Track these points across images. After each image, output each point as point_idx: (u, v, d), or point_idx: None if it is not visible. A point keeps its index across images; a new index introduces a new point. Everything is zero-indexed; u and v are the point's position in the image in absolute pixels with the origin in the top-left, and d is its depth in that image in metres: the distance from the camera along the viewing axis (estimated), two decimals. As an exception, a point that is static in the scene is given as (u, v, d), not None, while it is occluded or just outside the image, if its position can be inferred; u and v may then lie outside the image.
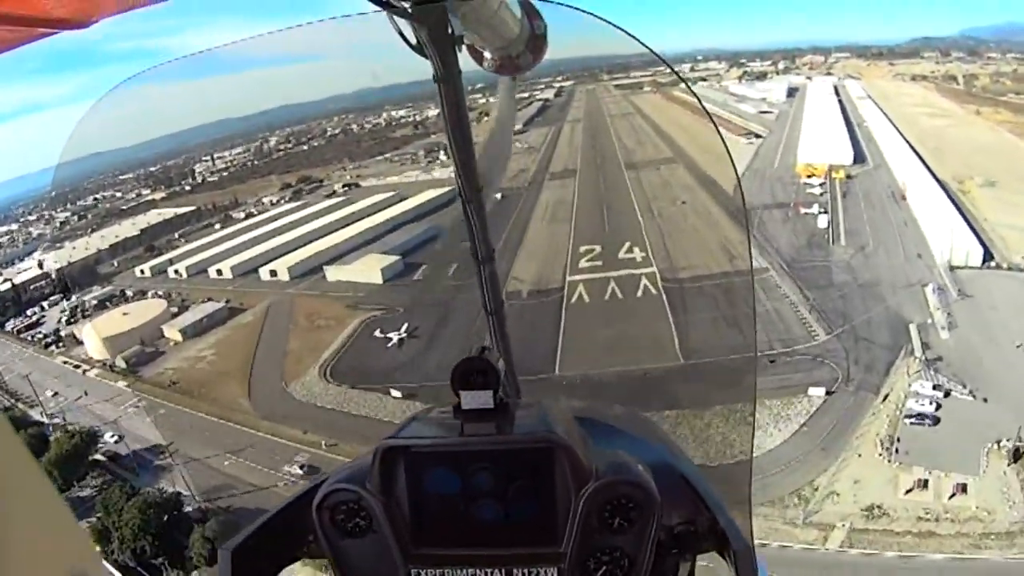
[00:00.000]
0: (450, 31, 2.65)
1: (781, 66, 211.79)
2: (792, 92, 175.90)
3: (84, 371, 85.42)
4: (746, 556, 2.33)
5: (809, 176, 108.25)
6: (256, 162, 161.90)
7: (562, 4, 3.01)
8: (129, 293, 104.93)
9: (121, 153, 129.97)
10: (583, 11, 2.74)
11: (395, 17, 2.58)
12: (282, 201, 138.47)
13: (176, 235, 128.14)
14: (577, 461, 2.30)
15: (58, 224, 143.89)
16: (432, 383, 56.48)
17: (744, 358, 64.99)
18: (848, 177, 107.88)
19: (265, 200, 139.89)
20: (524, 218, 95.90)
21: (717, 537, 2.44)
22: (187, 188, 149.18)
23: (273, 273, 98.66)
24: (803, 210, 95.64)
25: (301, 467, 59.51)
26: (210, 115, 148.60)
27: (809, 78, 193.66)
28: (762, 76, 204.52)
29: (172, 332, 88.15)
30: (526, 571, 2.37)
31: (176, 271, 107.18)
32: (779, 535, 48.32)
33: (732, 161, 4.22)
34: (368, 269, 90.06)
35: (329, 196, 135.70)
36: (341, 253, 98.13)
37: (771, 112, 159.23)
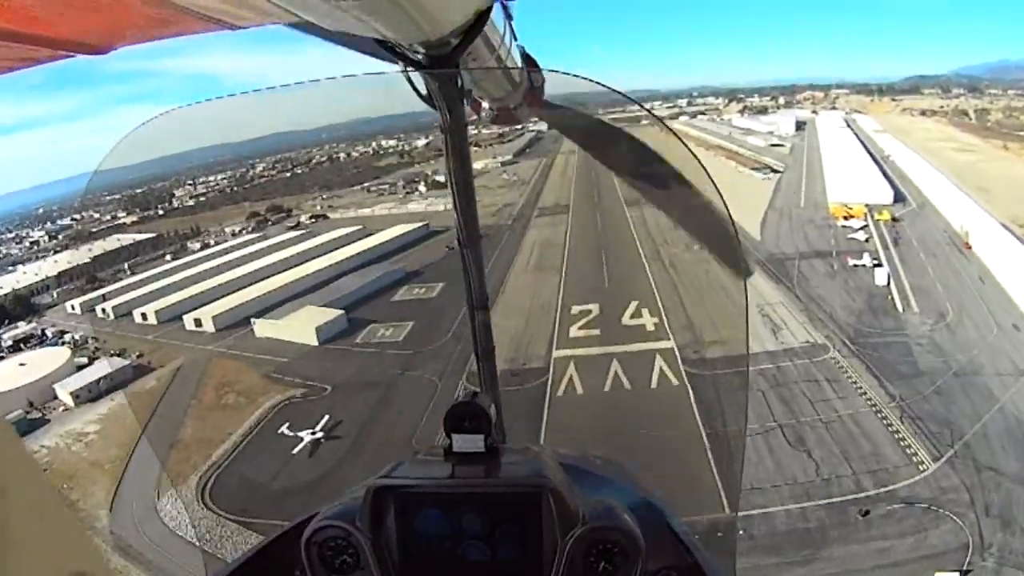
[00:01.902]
0: (460, 85, 2.61)
1: (781, 101, 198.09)
2: (800, 125, 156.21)
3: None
4: None
5: (846, 218, 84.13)
6: (235, 188, 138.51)
7: (558, 72, 3.07)
8: (49, 333, 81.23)
9: (125, 172, 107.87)
10: (580, 76, 2.74)
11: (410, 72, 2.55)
12: (243, 232, 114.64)
13: (126, 265, 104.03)
14: (565, 506, 2.24)
15: (27, 245, 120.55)
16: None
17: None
18: (894, 220, 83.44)
19: (227, 230, 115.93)
20: (502, 264, 71.90)
21: None
22: (159, 212, 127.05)
23: (198, 323, 74.37)
24: (851, 261, 70.82)
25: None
26: (220, 153, 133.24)
27: (815, 112, 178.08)
28: (763, 111, 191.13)
29: (64, 394, 64.14)
30: None
31: (103, 310, 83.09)
32: None
33: (725, 206, 3.29)
34: (303, 325, 66.09)
35: (293, 228, 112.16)
36: (277, 302, 73.71)
37: (782, 145, 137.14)
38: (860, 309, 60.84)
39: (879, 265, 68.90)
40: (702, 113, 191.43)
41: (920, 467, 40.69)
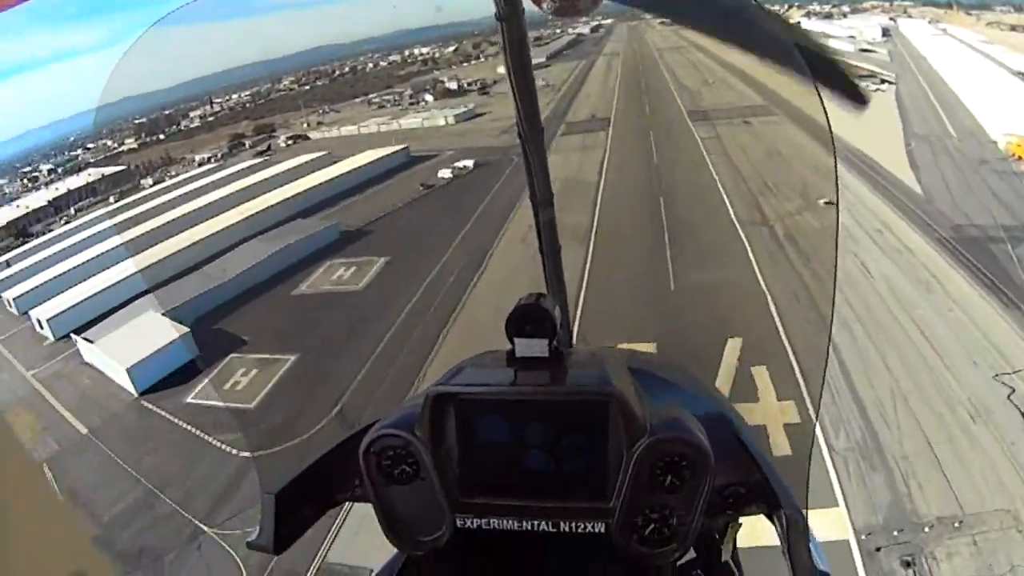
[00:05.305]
0: None
1: (845, 8, 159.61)
2: (886, 32, 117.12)
3: None
4: (797, 521, 2.05)
5: (1042, 158, 47.42)
6: (236, 106, 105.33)
7: None
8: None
9: (147, 99, 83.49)
10: None
11: None
12: (209, 161, 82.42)
13: (73, 210, 73.97)
14: (632, 415, 1.97)
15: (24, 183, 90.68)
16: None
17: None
18: None
19: (197, 158, 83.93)
20: (495, 219, 38.94)
21: (768, 500, 2.12)
22: (151, 141, 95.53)
23: (40, 324, 43.64)
24: None
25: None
26: (243, 56, 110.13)
27: (893, 19, 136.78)
28: (827, 16, 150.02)
29: None
30: (573, 524, 2.05)
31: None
32: None
33: (830, 129, 2.14)
34: (123, 355, 33.53)
35: (262, 153, 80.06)
36: (127, 298, 40.81)
37: (875, 52, 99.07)
38: None
39: None
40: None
41: None
